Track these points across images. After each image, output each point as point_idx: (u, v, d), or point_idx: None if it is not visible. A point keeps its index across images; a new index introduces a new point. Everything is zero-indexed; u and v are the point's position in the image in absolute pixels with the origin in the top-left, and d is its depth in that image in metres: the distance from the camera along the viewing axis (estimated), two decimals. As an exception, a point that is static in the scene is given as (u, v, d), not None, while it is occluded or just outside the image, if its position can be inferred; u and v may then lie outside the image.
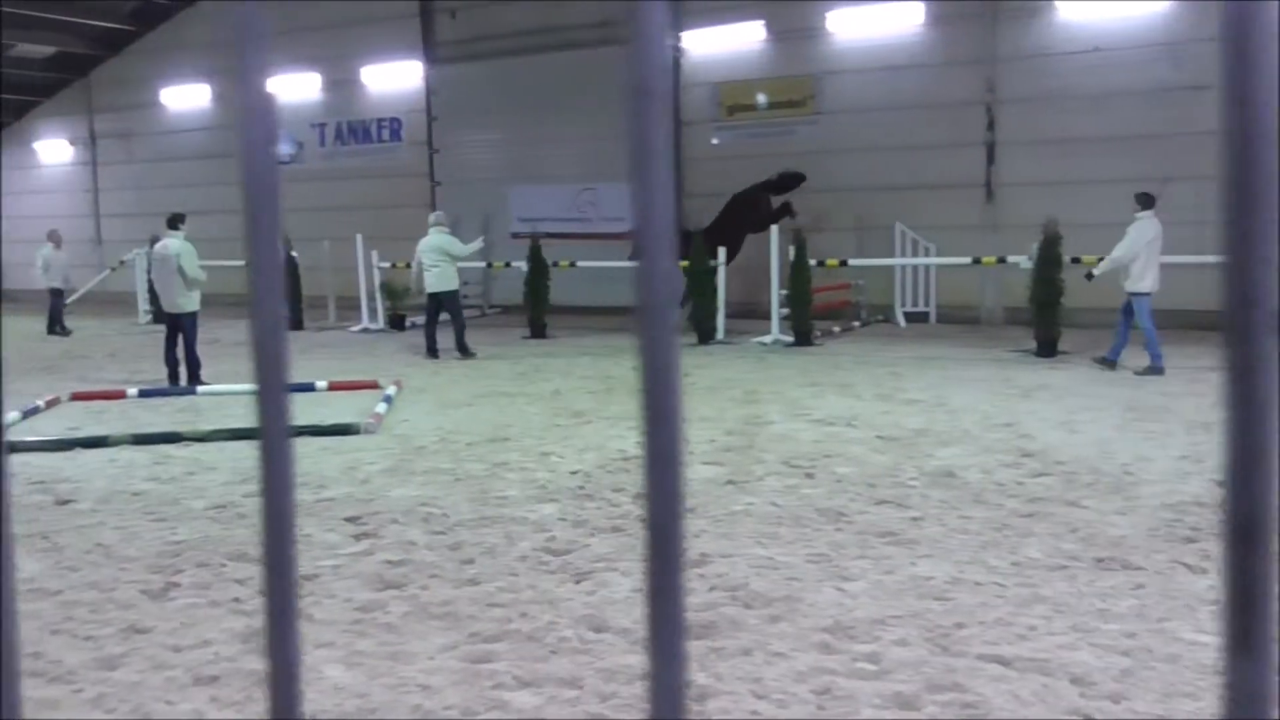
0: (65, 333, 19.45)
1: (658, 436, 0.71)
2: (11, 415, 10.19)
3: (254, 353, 0.75)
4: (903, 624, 4.79)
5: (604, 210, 21.45)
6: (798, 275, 15.09)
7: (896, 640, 4.61)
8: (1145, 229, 11.66)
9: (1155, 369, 11.65)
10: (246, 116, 0.69)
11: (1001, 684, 4.14)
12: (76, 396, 11.59)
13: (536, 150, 22.02)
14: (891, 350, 14.65)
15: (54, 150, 30.31)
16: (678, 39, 20.56)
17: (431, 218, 15.28)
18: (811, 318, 15.37)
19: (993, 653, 4.44)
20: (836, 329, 16.77)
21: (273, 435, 0.74)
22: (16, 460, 8.49)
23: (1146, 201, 11.81)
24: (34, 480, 7.83)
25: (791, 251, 15.22)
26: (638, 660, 4.46)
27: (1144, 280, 11.66)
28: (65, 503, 7.25)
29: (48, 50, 27.61)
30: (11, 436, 9.43)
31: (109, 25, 27.03)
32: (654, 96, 0.68)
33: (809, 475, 7.60)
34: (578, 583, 5.43)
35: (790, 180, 18.20)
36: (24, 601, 5.27)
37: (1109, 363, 12.16)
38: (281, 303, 0.75)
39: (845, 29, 18.93)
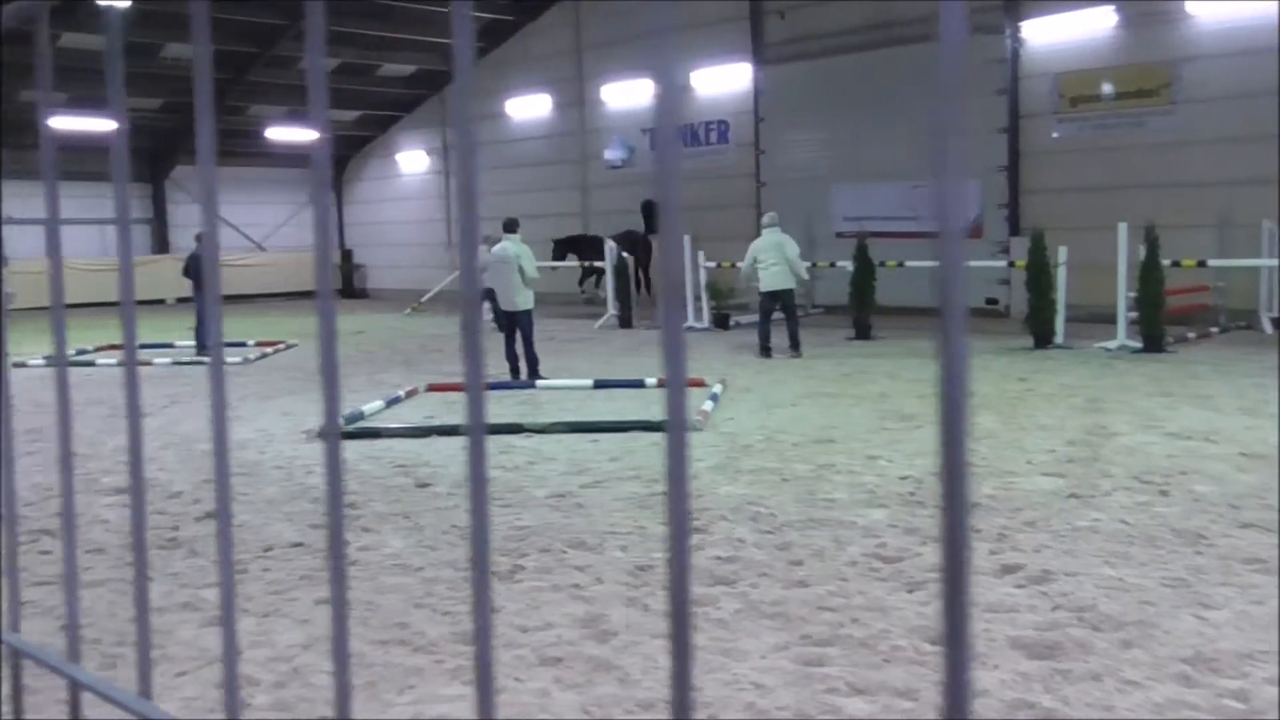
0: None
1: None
2: (376, 404, 11.16)
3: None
4: (1275, 661, 4.35)
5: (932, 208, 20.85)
6: (1149, 276, 14.07)
7: (1268, 678, 4.19)
8: None
9: None
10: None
11: (1402, 738, 3.68)
12: (433, 388, 12.52)
13: (863, 148, 21.72)
14: (1256, 359, 13.38)
15: (412, 160, 32.92)
16: (1017, 29, 19.68)
17: (765, 218, 15.46)
18: (1164, 322, 14.29)
19: (1389, 701, 3.95)
20: (1191, 335, 15.50)
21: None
22: (381, 445, 9.28)
23: None
24: (397, 464, 8.53)
25: (1142, 250, 14.22)
26: (975, 675, 4.29)
27: None
28: (424, 485, 7.84)
29: (408, 69, 30.05)
30: (376, 423, 10.32)
31: (462, 43, 29.02)
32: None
33: (1163, 492, 7.06)
34: (910, 592, 5.30)
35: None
36: (390, 575, 5.75)
37: None
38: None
39: (1208, 11, 17.47)
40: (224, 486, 0.84)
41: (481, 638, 0.71)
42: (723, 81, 24.29)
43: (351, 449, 9.16)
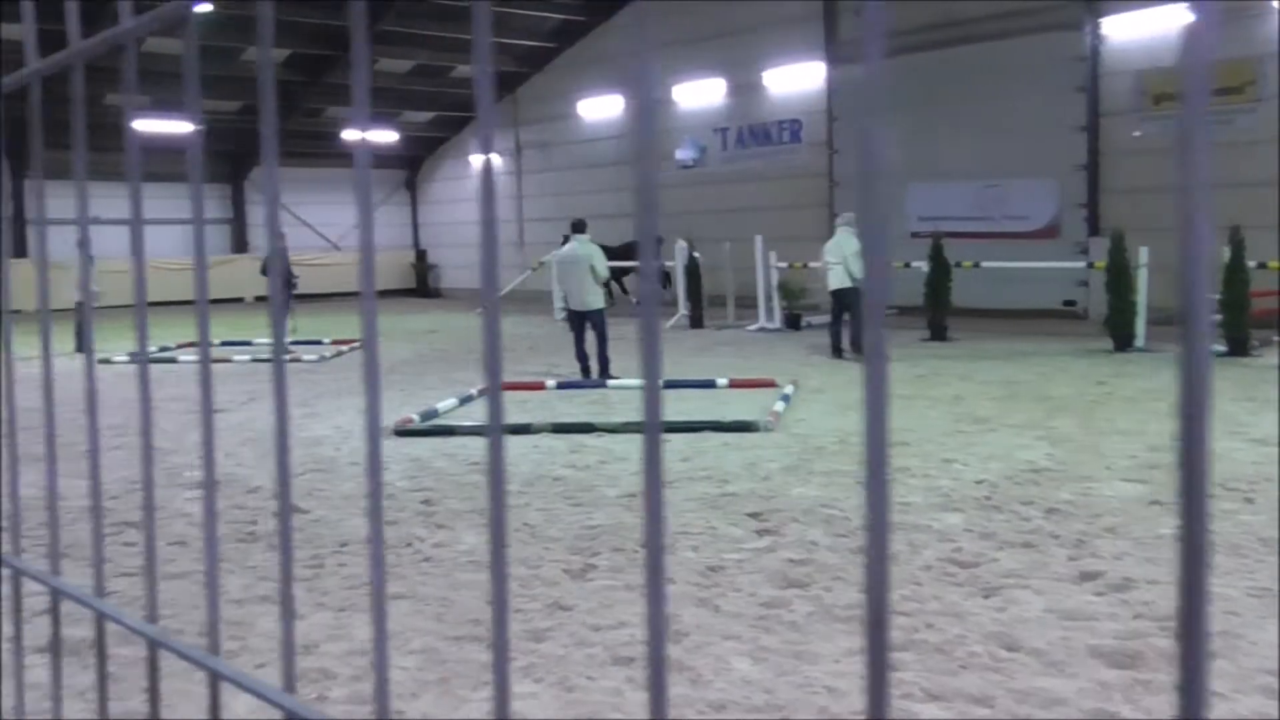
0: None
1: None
2: (449, 401, 11.28)
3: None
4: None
5: (1009, 208, 20.57)
6: (1233, 278, 13.72)
7: (1362, 692, 4.06)
8: None
9: None
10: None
11: None
12: (504, 387, 12.60)
13: (938, 147, 21.47)
14: (1346, 363, 12.99)
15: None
16: (1097, 26, 19.32)
17: (841, 218, 15.37)
18: (1248, 325, 13.93)
19: None
20: (1277, 338, 15.08)
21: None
22: (455, 443, 9.38)
23: None
24: (471, 461, 8.61)
25: (1226, 251, 13.87)
26: (1053, 684, 4.22)
27: None
28: (496, 484, 7.90)
29: (483, 69, 30.27)
30: (450, 420, 10.43)
31: (534, 44, 29.25)
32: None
33: (1248, 500, 6.88)
34: (986, 598, 5.23)
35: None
36: (465, 572, 5.80)
37: None
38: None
39: (1295, 4, 17.01)
40: (378, 509, 0.85)
41: (655, 640, 0.70)
42: (795, 80, 24.16)
43: (426, 446, 9.27)
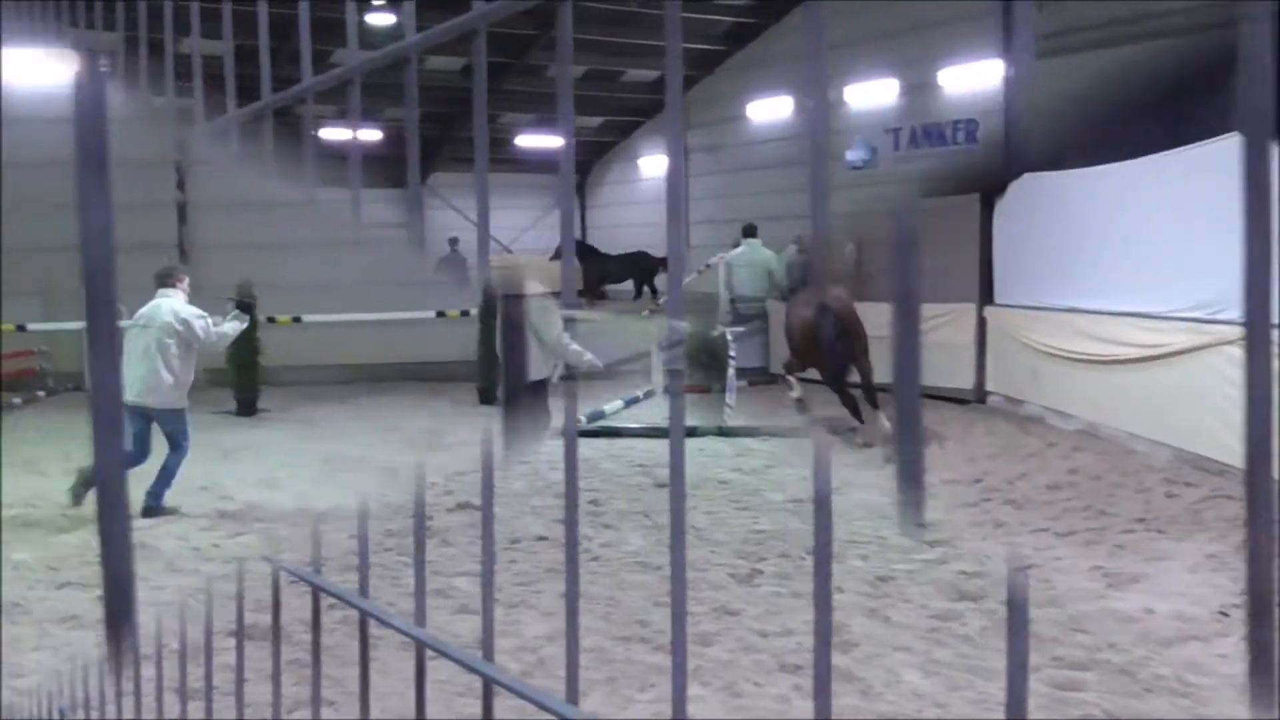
0: None
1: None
2: (615, 403, 11.38)
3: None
4: None
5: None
6: None
7: None
8: None
9: None
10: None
11: None
12: (670, 388, 12.68)
13: (1125, 148, 20.54)
14: None
15: (653, 165, 33.48)
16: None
17: None
18: None
19: None
20: None
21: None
22: (620, 444, 9.46)
23: None
24: (636, 463, 8.67)
25: None
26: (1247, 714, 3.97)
27: None
28: (662, 485, 7.94)
29: (652, 74, 30.56)
30: (615, 422, 10.53)
31: (705, 47, 29.34)
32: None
33: None
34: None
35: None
36: (631, 573, 5.85)
37: None
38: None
39: None
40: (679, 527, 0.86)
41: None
42: (972, 79, 23.53)
43: (593, 447, 9.37)
